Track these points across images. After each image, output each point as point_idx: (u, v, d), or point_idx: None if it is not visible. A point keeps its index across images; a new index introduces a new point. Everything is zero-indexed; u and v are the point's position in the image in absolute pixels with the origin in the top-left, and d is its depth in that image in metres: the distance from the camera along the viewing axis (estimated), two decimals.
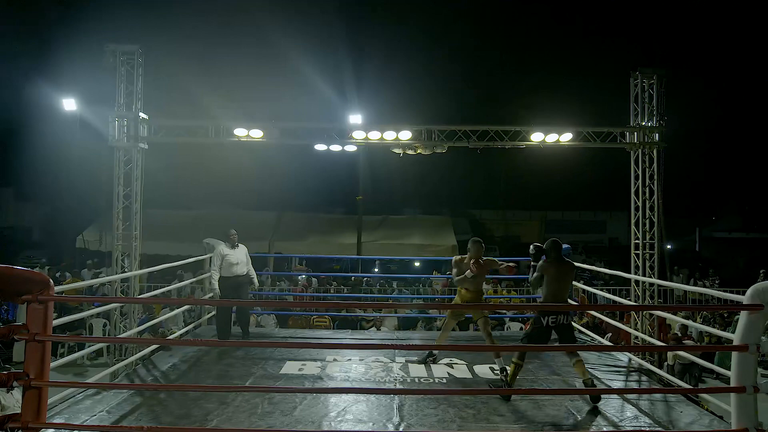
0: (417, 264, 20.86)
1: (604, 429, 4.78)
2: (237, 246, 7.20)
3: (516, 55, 28.61)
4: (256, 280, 7.28)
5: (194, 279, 8.11)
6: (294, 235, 16.96)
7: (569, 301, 8.75)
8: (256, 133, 8.69)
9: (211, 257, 7.25)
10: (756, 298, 4.27)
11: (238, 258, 7.14)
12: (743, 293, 4.31)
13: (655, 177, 8.73)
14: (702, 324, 10.53)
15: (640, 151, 8.81)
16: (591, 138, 8.89)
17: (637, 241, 8.78)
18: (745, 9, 25.31)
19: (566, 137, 8.82)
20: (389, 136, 8.78)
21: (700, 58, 26.30)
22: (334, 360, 6.74)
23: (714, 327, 10.69)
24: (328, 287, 14.45)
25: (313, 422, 4.79)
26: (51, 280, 4.26)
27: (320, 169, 20.77)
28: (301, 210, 19.10)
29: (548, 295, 5.38)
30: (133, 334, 7.33)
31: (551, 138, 8.79)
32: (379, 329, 10.53)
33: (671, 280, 16.02)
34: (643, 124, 8.76)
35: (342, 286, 14.75)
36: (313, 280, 14.65)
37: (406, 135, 8.78)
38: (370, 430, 4.61)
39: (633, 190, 8.91)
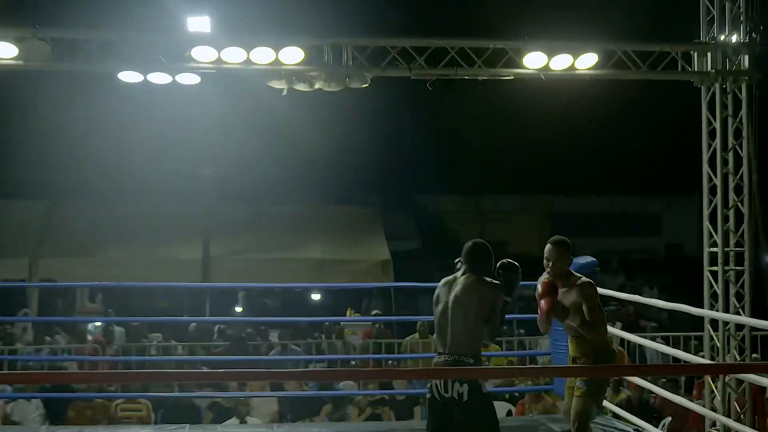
0: (316, 296, 20.84)
1: None
2: None
3: None
4: None
5: None
6: (79, 245, 16.69)
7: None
8: (7, 52, 8.55)
9: None
10: None
11: None
12: None
13: (746, 133, 9.02)
14: None
15: (717, 86, 9.08)
16: (631, 63, 9.13)
17: (714, 250, 9.05)
18: None
19: (587, 61, 9.03)
20: (262, 57, 8.81)
21: None
22: None
23: None
24: (148, 344, 14.29)
25: None
26: None
27: (130, 124, 20.58)
28: (92, 200, 18.84)
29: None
30: None
31: (560, 62, 8.96)
32: (243, 421, 10.42)
33: None
34: (724, 39, 9.04)
35: (175, 342, 14.53)
36: (117, 329, 14.45)
37: (293, 56, 8.82)
38: None
39: (706, 157, 9.17)
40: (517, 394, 11.64)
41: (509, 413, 11.25)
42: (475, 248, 5.86)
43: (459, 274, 5.88)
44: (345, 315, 16.37)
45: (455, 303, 5.73)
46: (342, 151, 26.13)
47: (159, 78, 9.21)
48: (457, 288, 5.76)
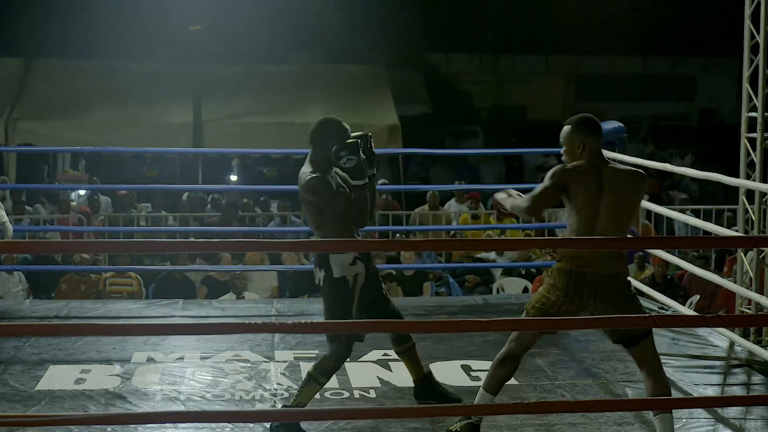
0: None
1: None
2: None
3: None
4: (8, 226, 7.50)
5: None
6: (59, 107, 16.77)
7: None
8: None
9: None
10: None
11: None
12: None
13: None
14: None
15: None
16: None
17: (753, 115, 9.02)
18: None
19: None
20: None
21: None
22: (150, 361, 6.81)
23: None
24: (136, 214, 14.33)
25: None
26: None
27: None
28: (72, 56, 18.73)
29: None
30: None
31: None
32: (240, 296, 10.55)
33: None
34: None
35: (165, 212, 14.67)
36: (103, 198, 14.52)
37: None
38: None
39: (749, 12, 9.05)
40: (533, 270, 11.74)
41: (525, 290, 11.37)
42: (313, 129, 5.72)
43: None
44: None
45: None
46: (342, 3, 25.88)
47: None
48: None
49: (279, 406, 5.99)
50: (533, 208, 5.39)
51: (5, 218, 7.57)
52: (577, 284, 5.19)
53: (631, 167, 5.53)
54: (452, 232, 12.81)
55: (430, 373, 6.05)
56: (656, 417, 5.14)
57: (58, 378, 6.44)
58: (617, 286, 5.22)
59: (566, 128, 5.40)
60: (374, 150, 5.80)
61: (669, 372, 6.60)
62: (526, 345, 5.32)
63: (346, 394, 6.23)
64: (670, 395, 5.32)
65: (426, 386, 5.98)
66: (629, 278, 5.41)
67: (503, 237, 12.41)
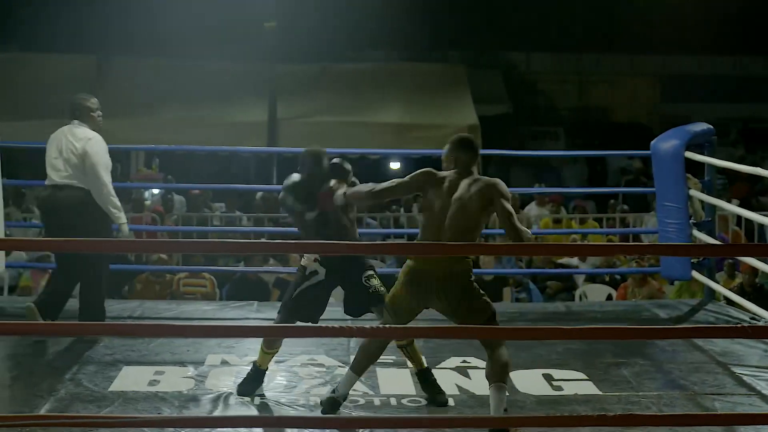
0: (395, 166, 20.87)
1: None
2: (77, 123, 7.87)
3: None
4: (115, 211, 7.72)
5: None
6: (133, 105, 16.92)
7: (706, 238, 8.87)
8: None
9: None
10: None
11: (55, 151, 7.78)
12: None
13: None
14: None
15: None
16: None
17: None
18: None
19: None
20: None
21: None
22: (224, 363, 6.88)
23: None
24: (210, 214, 14.48)
25: None
26: None
27: None
28: (146, 54, 19.06)
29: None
30: None
31: None
32: None
33: None
34: None
35: (239, 213, 14.73)
36: (177, 198, 14.70)
37: None
38: None
39: None
40: (618, 276, 11.62)
41: (609, 297, 11.27)
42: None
43: None
44: None
45: None
46: (420, 1, 25.90)
47: None
48: None
49: (353, 413, 5.98)
50: (378, 194, 6.15)
51: (123, 219, 7.77)
52: (416, 280, 5.70)
53: (490, 180, 5.82)
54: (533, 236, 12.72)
55: (428, 368, 6.36)
56: (492, 386, 5.62)
57: (131, 379, 6.54)
58: (457, 283, 5.67)
59: (446, 146, 5.99)
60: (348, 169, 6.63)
61: (761, 386, 6.52)
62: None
63: (423, 402, 6.24)
64: (508, 372, 5.73)
65: (421, 378, 6.32)
66: (471, 276, 5.78)
67: (586, 242, 12.31)
